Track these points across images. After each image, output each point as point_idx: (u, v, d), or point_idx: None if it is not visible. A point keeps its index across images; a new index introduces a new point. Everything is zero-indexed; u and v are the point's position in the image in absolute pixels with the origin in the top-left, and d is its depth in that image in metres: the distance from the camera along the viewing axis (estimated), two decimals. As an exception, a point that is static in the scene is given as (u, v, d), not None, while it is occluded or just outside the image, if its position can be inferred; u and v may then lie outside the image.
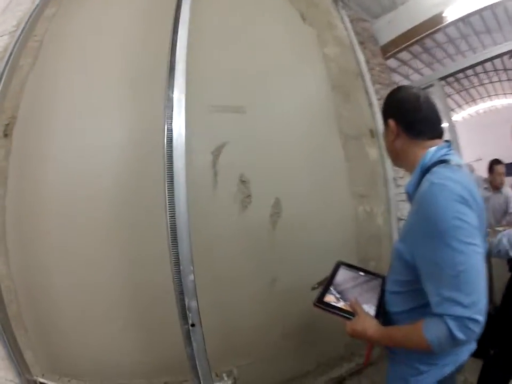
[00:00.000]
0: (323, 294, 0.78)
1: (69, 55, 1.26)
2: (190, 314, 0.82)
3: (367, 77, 1.67)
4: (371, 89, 1.67)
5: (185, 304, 0.82)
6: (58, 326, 1.18)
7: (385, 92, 1.90)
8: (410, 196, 0.73)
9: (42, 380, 1.17)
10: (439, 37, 5.19)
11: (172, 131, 0.86)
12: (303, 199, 1.31)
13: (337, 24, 1.67)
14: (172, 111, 0.88)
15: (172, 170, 0.84)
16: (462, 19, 2.13)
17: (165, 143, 0.85)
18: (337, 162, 1.42)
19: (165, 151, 0.85)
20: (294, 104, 1.31)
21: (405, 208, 2.08)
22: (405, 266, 0.69)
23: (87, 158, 1.17)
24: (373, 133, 1.64)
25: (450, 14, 2.07)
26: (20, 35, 1.26)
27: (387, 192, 1.84)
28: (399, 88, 0.78)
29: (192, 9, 1.07)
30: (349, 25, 1.73)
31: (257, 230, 1.22)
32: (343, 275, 0.87)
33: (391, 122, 0.73)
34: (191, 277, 0.83)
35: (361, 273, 0.89)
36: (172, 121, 0.87)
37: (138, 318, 1.14)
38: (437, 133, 0.73)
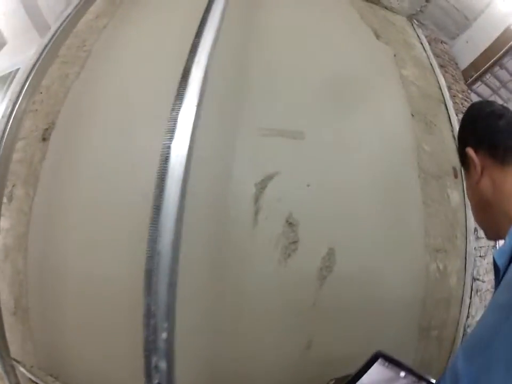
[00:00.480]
0: None
1: (116, 66, 1.21)
2: (157, 375, 0.68)
3: (450, 104, 1.38)
4: (454, 119, 1.36)
5: (151, 363, 0.67)
6: (60, 329, 1.10)
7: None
8: (500, 270, 0.43)
9: (24, 371, 1.12)
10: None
11: (169, 149, 0.69)
12: (364, 251, 1.02)
13: (415, 44, 1.43)
14: (176, 124, 0.71)
15: (161, 198, 0.67)
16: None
17: (159, 163, 0.70)
18: (413, 207, 1.12)
19: (156, 174, 0.69)
20: (365, 131, 1.06)
21: (482, 266, 1.68)
22: None
23: (121, 172, 1.08)
24: (456, 172, 1.30)
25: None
26: (50, 41, 1.26)
27: (466, 245, 1.48)
28: (469, 107, 0.60)
29: (251, 21, 0.95)
30: (427, 45, 1.48)
31: (300, 286, 0.96)
32: (375, 374, 0.58)
33: (470, 151, 0.51)
34: (164, 335, 0.67)
35: (402, 373, 0.59)
36: (172, 136, 0.70)
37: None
38: None
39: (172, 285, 0.67)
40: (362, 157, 1.03)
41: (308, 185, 0.93)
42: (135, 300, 1.02)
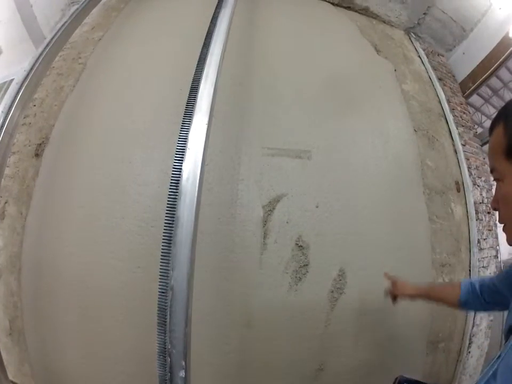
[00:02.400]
0: None
1: (111, 80, 1.17)
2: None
3: (450, 118, 1.38)
4: (455, 133, 1.37)
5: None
6: (57, 351, 1.06)
7: (469, 136, 1.61)
8: None
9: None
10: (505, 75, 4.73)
11: (180, 171, 0.62)
12: (373, 271, 1.00)
13: (414, 58, 1.44)
14: (186, 144, 0.64)
15: (172, 227, 0.60)
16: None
17: (169, 188, 0.63)
18: (420, 225, 1.10)
19: (167, 200, 0.62)
20: (370, 149, 1.05)
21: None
22: None
23: (117, 193, 1.04)
24: (459, 186, 1.30)
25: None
26: (44, 51, 1.18)
27: (470, 258, 1.48)
28: None
29: (254, 36, 0.92)
30: (425, 58, 1.49)
31: (312, 309, 0.93)
32: None
33: None
34: (182, 373, 0.61)
35: None
36: (183, 158, 0.63)
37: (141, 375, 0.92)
38: None
39: (188, 321, 0.61)
40: (370, 175, 1.01)
41: (317, 206, 0.91)
42: (133, 322, 0.99)
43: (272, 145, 0.92)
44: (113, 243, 1.01)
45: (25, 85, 1.24)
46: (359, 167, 1.01)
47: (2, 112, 1.31)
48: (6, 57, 1.84)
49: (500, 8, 1.74)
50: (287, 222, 0.88)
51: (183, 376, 0.61)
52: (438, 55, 1.71)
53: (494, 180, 0.50)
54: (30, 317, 1.12)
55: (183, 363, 0.61)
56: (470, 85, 1.82)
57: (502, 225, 0.51)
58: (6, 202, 1.29)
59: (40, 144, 1.28)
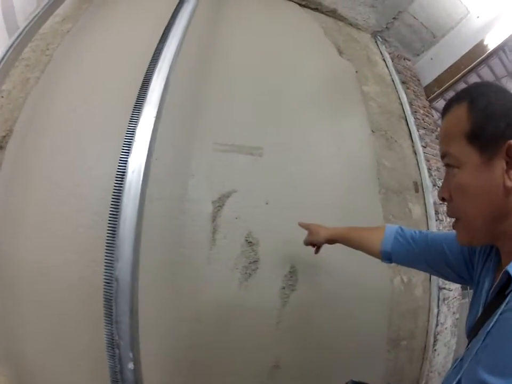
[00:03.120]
0: None
1: (75, 72, 1.16)
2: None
3: (411, 120, 1.42)
4: (416, 135, 1.41)
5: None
6: (19, 339, 1.02)
7: (431, 138, 1.67)
8: None
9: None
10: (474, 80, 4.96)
11: (126, 164, 0.63)
12: (326, 268, 1.01)
13: (378, 61, 1.48)
14: (134, 137, 0.65)
15: (116, 219, 0.60)
16: (502, 47, 1.84)
17: (114, 180, 0.63)
18: (374, 222, 1.12)
19: (112, 192, 0.63)
20: (324, 148, 1.06)
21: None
22: None
23: (71, 183, 1.03)
24: (417, 187, 1.34)
25: (491, 41, 1.79)
26: (15, 42, 1.17)
27: (430, 257, 1.53)
28: (490, 87, 0.42)
29: (216, 33, 0.92)
30: (390, 62, 1.54)
31: (262, 307, 0.94)
32: None
33: None
34: (130, 365, 0.62)
35: None
36: (129, 150, 0.64)
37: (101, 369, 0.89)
38: None
39: (134, 313, 0.62)
40: (323, 173, 1.03)
41: (267, 203, 0.91)
42: (90, 315, 0.98)
43: (223, 141, 0.92)
44: (68, 236, 0.99)
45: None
46: (312, 166, 1.02)
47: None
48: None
49: (478, 17, 1.77)
50: (236, 218, 0.88)
51: (132, 368, 0.62)
52: (404, 59, 1.76)
53: (446, 165, 0.43)
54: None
55: (131, 355, 0.62)
56: (435, 89, 1.89)
57: (453, 220, 0.44)
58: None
59: (5, 136, 1.26)
